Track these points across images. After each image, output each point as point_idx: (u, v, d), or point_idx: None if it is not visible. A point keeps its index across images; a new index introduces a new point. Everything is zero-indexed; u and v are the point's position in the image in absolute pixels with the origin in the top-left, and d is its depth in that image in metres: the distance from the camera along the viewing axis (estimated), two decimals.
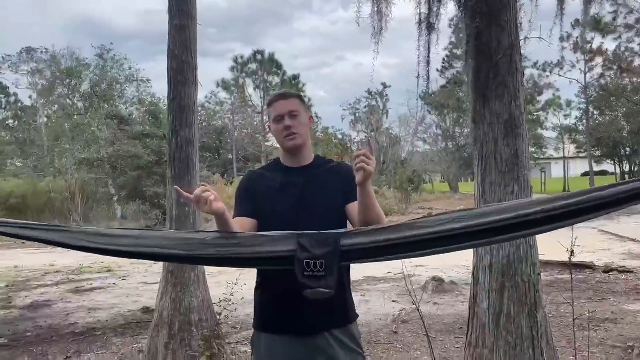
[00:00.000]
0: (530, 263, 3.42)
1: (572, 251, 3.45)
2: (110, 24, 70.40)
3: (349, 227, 2.01)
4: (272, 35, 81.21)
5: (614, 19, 32.60)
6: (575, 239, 3.29)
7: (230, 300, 4.92)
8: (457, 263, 9.28)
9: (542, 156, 46.43)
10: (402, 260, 2.15)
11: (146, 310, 6.76)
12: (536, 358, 3.36)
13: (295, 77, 42.98)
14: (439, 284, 7.69)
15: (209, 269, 5.14)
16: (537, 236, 3.02)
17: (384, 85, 41.85)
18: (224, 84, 42.31)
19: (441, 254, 1.94)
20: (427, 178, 46.41)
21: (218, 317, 4.85)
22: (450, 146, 43.87)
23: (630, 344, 4.82)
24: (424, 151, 46.82)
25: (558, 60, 36.70)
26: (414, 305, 4.04)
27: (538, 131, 43.61)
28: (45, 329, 6.22)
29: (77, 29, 69.75)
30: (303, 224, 1.91)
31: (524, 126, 3.51)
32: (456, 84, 38.12)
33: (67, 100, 35.20)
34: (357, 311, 2.18)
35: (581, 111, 41.62)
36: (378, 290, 7.67)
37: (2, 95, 46.01)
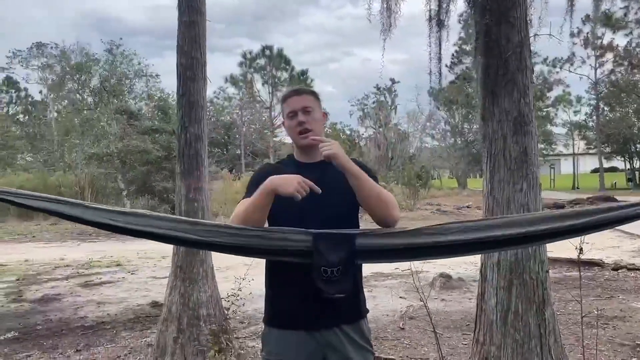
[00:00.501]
0: (538, 261, 3.41)
1: (581, 249, 3.44)
2: (120, 20, 70.71)
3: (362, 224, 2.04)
4: (279, 31, 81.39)
5: (625, 14, 32.37)
6: (584, 236, 3.28)
7: (238, 296, 4.95)
8: (465, 260, 9.26)
9: (551, 153, 46.21)
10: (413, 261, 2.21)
11: (155, 304, 6.81)
12: (544, 356, 3.35)
13: (303, 72, 43.01)
14: (446, 281, 7.68)
15: (217, 265, 5.16)
16: None
17: (393, 81, 41.70)
18: (233, 80, 42.43)
19: None
20: (436, 174, 46.31)
21: (226, 312, 4.88)
22: (459, 142, 43.75)
23: (639, 342, 4.80)
24: (433, 147, 46.71)
25: (568, 56, 36.49)
26: (422, 302, 4.05)
27: (548, 127, 43.37)
28: (55, 322, 6.29)
29: (86, 24, 70.14)
30: (315, 219, 1.93)
31: (534, 123, 3.50)
32: (465, 80, 37.99)
33: (77, 95, 35.36)
34: None
35: (591, 107, 41.36)
36: (386, 286, 7.68)
37: (13, 91, 46.39)
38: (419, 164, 35.90)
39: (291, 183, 1.84)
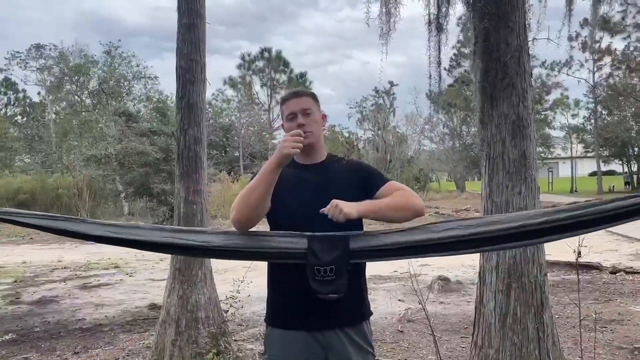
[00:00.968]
0: (537, 264, 3.42)
1: (579, 252, 3.44)
2: (119, 21, 70.72)
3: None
4: (278, 33, 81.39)
5: (623, 18, 32.44)
6: (583, 240, 3.29)
7: (236, 298, 4.95)
8: (464, 262, 9.27)
9: (550, 156, 46.24)
10: (409, 259, 2.21)
11: (153, 307, 6.80)
12: (542, 359, 3.36)
13: (302, 75, 43.06)
14: (445, 284, 7.69)
15: (215, 267, 5.16)
16: None
17: (392, 83, 41.79)
18: (231, 82, 42.43)
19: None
20: (434, 177, 46.33)
21: (225, 314, 4.87)
22: (458, 145, 43.78)
23: (637, 345, 4.80)
24: (431, 150, 46.70)
25: (566, 59, 36.53)
26: (420, 305, 4.05)
27: (546, 131, 43.42)
28: (53, 324, 6.28)
29: (85, 25, 70.05)
30: (319, 220, 1.94)
31: (532, 127, 3.51)
32: (464, 83, 38.03)
33: (76, 97, 35.35)
34: None
35: (589, 111, 41.40)
36: (384, 289, 7.68)
37: (11, 92, 46.32)
38: (417, 166, 35.95)
39: (284, 146, 1.88)
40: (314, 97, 2.17)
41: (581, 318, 4.01)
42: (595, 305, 6.32)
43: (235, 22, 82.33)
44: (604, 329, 5.44)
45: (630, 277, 8.15)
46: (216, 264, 5.07)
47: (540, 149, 42.15)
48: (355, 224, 1.99)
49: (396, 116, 41.69)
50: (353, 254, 1.92)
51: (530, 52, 3.60)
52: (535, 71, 37.23)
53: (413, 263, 3.43)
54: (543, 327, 3.39)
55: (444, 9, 3.57)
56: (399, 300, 7.02)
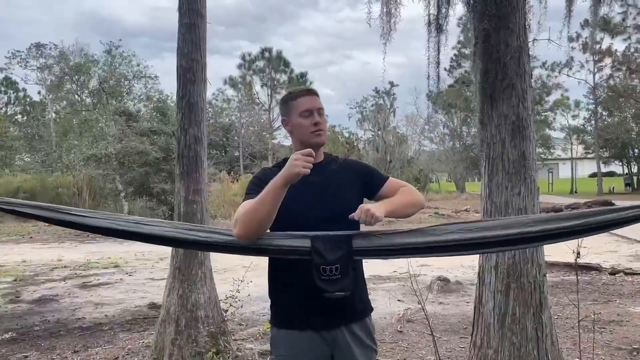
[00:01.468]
0: (536, 264, 3.43)
1: (578, 253, 3.46)
2: (119, 21, 70.75)
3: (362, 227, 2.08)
4: (278, 34, 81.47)
5: (624, 19, 32.46)
6: (582, 241, 3.29)
7: (236, 298, 4.96)
8: (464, 263, 9.28)
9: (550, 157, 46.26)
10: (408, 259, 2.24)
11: (153, 306, 6.81)
12: (541, 359, 3.37)
13: (302, 75, 43.03)
14: (444, 284, 7.70)
15: (215, 267, 5.17)
16: None
17: (392, 84, 41.80)
18: (232, 82, 42.41)
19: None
20: (434, 177, 46.35)
21: (224, 314, 4.88)
22: (458, 146, 43.80)
23: (635, 346, 4.81)
24: (431, 150, 46.75)
25: (567, 60, 36.55)
26: (420, 305, 4.06)
27: (546, 132, 43.45)
28: (53, 323, 6.28)
29: (86, 25, 70.15)
30: (320, 219, 1.97)
31: (532, 128, 3.52)
32: (464, 84, 38.04)
33: (76, 96, 35.40)
34: None
35: (590, 112, 41.43)
36: (384, 289, 7.69)
37: (12, 91, 46.34)
38: (417, 167, 35.98)
39: (296, 164, 1.83)
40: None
41: (580, 319, 4.02)
42: (594, 306, 6.33)
43: (235, 23, 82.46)
44: (603, 329, 5.44)
45: (630, 278, 8.16)
46: (216, 263, 5.08)
47: (541, 150, 42.19)
48: (354, 225, 2.01)
49: (396, 117, 41.78)
50: (356, 252, 1.95)
51: (530, 53, 3.61)
52: (536, 72, 37.30)
53: (412, 263, 3.44)
54: (542, 327, 3.40)
55: (443, 10, 3.58)
56: (399, 300, 7.03)
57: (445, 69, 38.03)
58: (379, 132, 36.24)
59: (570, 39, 32.37)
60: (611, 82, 36.97)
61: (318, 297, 1.92)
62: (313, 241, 1.91)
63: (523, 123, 3.44)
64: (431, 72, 3.66)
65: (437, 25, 3.58)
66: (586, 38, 34.16)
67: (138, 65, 33.01)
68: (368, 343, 2.10)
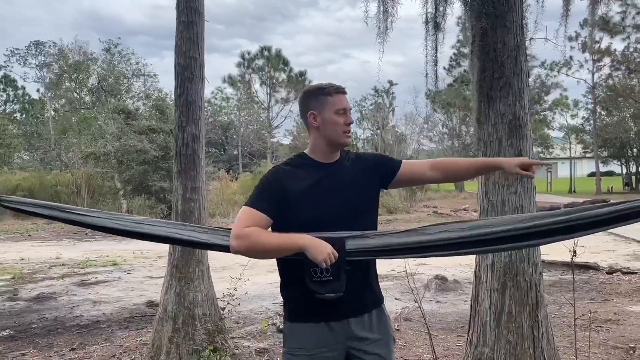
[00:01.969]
0: (532, 263, 3.44)
1: (574, 251, 3.47)
2: (119, 20, 70.68)
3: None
4: (278, 33, 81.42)
5: (623, 19, 32.43)
6: (578, 240, 3.30)
7: (234, 296, 4.97)
8: (461, 262, 9.29)
9: (548, 156, 46.24)
10: (404, 258, 2.24)
11: (151, 304, 6.82)
12: (537, 357, 3.38)
13: (302, 73, 42.94)
14: (442, 283, 7.70)
15: (213, 265, 5.18)
16: None
17: (391, 83, 41.80)
18: (231, 80, 42.35)
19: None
20: None
21: (222, 312, 4.89)
22: (457, 145, 43.76)
23: (632, 345, 4.82)
24: (430, 149, 46.71)
25: (566, 60, 36.50)
26: (417, 304, 4.07)
27: (545, 131, 43.44)
28: (50, 321, 6.29)
29: (84, 24, 70.08)
30: (337, 217, 1.98)
31: (529, 127, 3.53)
32: (463, 83, 38.02)
33: (75, 94, 35.36)
34: None
35: (589, 111, 41.43)
36: (381, 288, 7.68)
37: (10, 89, 46.28)
38: None
39: (323, 250, 1.83)
40: None
41: (576, 317, 4.03)
42: (591, 305, 6.34)
43: (234, 21, 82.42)
44: (600, 328, 5.46)
45: (627, 278, 8.17)
46: (214, 262, 5.09)
47: (539, 149, 42.20)
48: (370, 217, 2.05)
49: (395, 115, 41.79)
50: (349, 254, 1.93)
51: (528, 52, 3.61)
52: (535, 71, 37.27)
53: (410, 262, 3.45)
54: (538, 325, 3.41)
55: (441, 8, 3.59)
56: (396, 299, 7.03)
57: (444, 68, 38.06)
58: (378, 131, 36.25)
59: (570, 39, 32.45)
60: (610, 81, 36.94)
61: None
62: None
63: (520, 122, 3.45)
64: (429, 70, 3.67)
65: (434, 24, 3.59)
66: (585, 37, 34.15)
67: (137, 63, 33.07)
68: (382, 333, 2.10)
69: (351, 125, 2.09)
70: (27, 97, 46.22)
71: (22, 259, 11.35)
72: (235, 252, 1.91)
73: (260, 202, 1.97)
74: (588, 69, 37.50)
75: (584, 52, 36.14)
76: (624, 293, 7.18)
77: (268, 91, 42.31)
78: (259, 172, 24.99)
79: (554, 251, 5.69)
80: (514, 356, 3.37)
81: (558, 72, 38.60)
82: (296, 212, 1.98)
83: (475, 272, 3.67)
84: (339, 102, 2.05)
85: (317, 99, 2.07)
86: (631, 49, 34.33)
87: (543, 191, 34.92)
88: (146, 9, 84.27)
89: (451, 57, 39.50)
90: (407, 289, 6.72)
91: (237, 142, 39.64)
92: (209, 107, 38.07)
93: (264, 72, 42.47)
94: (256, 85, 42.75)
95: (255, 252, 1.91)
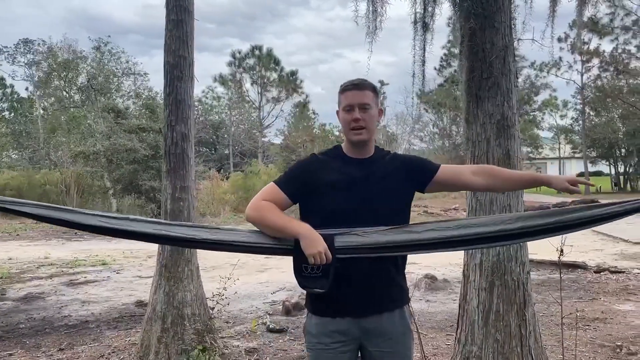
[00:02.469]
0: (520, 262, 3.46)
1: (561, 250, 3.50)
2: (109, 18, 70.19)
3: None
4: (269, 32, 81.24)
5: (612, 20, 32.72)
6: (565, 239, 3.33)
7: (223, 295, 4.96)
8: (451, 261, 9.34)
9: (538, 156, 46.56)
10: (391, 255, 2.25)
11: (140, 304, 6.79)
12: (524, 356, 3.40)
13: (293, 73, 42.94)
14: (431, 282, 7.73)
15: (202, 264, 5.16)
16: None
17: (382, 83, 41.87)
18: (222, 79, 42.25)
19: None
20: None
21: (211, 311, 4.88)
22: (447, 145, 43.90)
23: (619, 343, 4.87)
24: (421, 149, 46.84)
25: (555, 61, 36.78)
26: None
27: (534, 131, 43.72)
28: (38, 321, 6.24)
29: (74, 22, 69.57)
30: (368, 214, 1.99)
31: (517, 127, 3.55)
32: (454, 83, 38.16)
33: (64, 92, 35.10)
34: None
35: (577, 112, 41.77)
36: None
37: None
38: None
39: (315, 246, 1.86)
40: (374, 90, 2.12)
41: (563, 316, 4.06)
42: (579, 304, 6.39)
43: (225, 20, 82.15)
44: (587, 326, 5.51)
45: (614, 277, 8.25)
46: (204, 261, 5.07)
47: (529, 149, 42.45)
48: (401, 215, 2.07)
49: (386, 115, 41.82)
50: (338, 251, 1.94)
51: (517, 53, 3.63)
52: (525, 72, 37.52)
53: None
54: (525, 324, 3.43)
55: (430, 8, 3.60)
56: None
57: (435, 69, 38.24)
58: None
59: (559, 40, 32.70)
60: (599, 82, 37.27)
61: (349, 285, 1.97)
62: (296, 241, 1.92)
63: (508, 122, 3.47)
64: (417, 70, 3.67)
65: (423, 24, 3.60)
66: (574, 39, 34.42)
67: (127, 62, 32.87)
68: (401, 331, 2.10)
69: (367, 120, 2.04)
70: (15, 96, 45.79)
71: (10, 259, 11.25)
72: (247, 220, 2.02)
73: (286, 182, 2.06)
74: (577, 70, 37.83)
75: (572, 53, 36.45)
76: (611, 292, 7.25)
77: (259, 90, 42.28)
78: (249, 171, 24.97)
79: (543, 250, 5.73)
80: (501, 354, 3.39)
81: (547, 72, 38.91)
82: (322, 202, 2.02)
83: (463, 271, 3.70)
84: (345, 98, 2.08)
85: (338, 97, 2.13)
86: (619, 50, 34.68)
87: (532, 191, 35.09)
88: (136, 7, 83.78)
89: (442, 58, 39.67)
90: None
91: (228, 141, 39.53)
92: (199, 106, 37.94)
93: (255, 72, 42.40)
94: (247, 85, 42.73)
95: (262, 225, 1.99)
